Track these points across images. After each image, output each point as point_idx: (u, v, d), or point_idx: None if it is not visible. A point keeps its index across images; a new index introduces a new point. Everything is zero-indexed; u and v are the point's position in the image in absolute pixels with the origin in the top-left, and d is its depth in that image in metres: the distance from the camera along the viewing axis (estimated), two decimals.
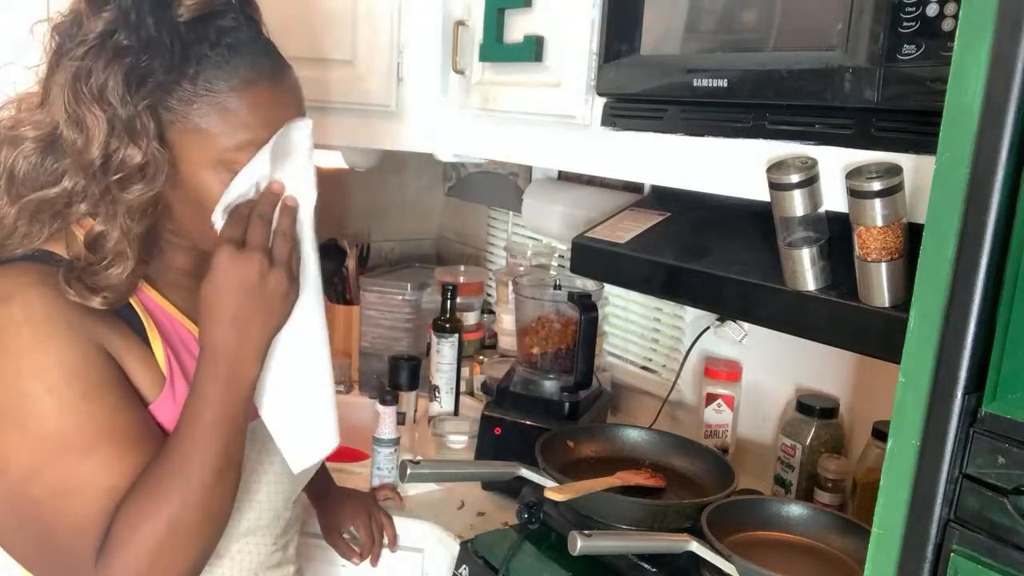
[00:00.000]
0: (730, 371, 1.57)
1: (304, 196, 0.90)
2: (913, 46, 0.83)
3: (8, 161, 0.86)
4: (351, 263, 2.03)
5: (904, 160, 0.86)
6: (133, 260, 0.86)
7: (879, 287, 0.89)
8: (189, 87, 0.84)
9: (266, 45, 0.91)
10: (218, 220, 0.86)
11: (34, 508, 0.81)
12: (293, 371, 0.92)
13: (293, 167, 0.90)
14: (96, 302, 0.84)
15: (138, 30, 0.82)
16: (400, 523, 1.39)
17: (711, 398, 1.57)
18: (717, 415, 1.57)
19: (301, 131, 0.90)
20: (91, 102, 0.82)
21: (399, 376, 1.67)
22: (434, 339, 1.76)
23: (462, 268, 2.20)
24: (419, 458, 1.34)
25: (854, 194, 0.86)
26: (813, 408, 1.40)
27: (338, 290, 2.02)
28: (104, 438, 0.82)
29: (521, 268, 1.99)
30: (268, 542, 1.03)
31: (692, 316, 1.67)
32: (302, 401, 0.94)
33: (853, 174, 0.86)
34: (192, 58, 0.84)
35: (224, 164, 0.86)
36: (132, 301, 0.90)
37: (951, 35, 0.73)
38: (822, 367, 1.45)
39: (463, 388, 1.82)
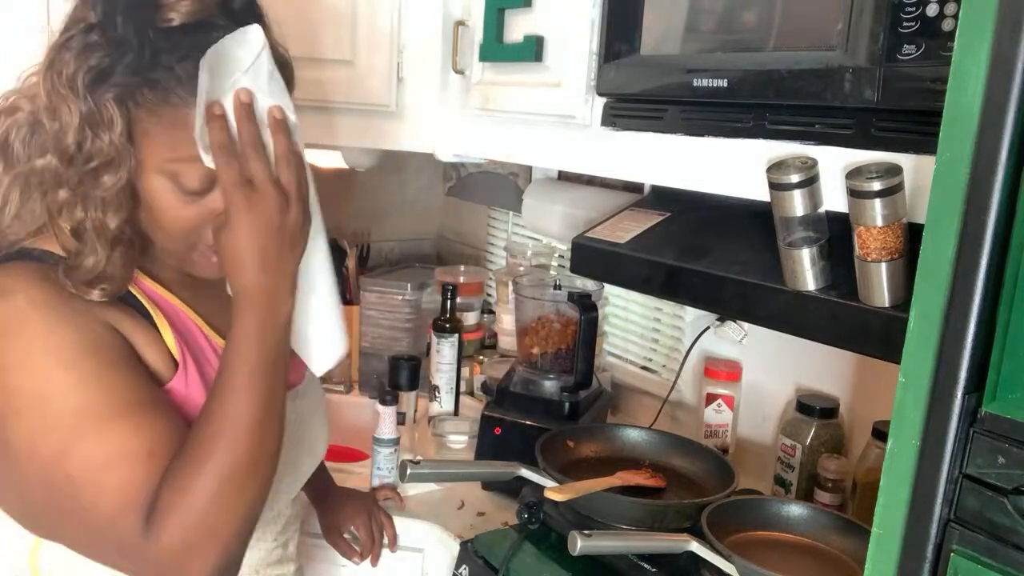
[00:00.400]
0: (730, 371, 1.57)
1: (286, 107, 0.87)
2: (913, 46, 0.83)
3: (3, 129, 0.87)
4: (351, 263, 2.03)
5: (904, 160, 0.86)
6: (105, 252, 0.85)
7: (879, 287, 0.89)
8: (149, 94, 0.83)
9: None
10: (205, 159, 0.84)
11: (71, 487, 0.80)
12: (307, 289, 0.93)
13: (262, 80, 0.85)
14: (95, 295, 0.84)
15: (109, 30, 0.82)
16: (400, 523, 1.39)
17: (711, 398, 1.57)
18: (717, 415, 1.57)
19: (254, 41, 0.85)
20: (65, 91, 0.82)
21: (399, 376, 1.67)
22: (434, 339, 1.76)
23: (462, 268, 2.19)
24: (419, 458, 1.34)
25: (854, 194, 0.86)
26: (813, 408, 1.40)
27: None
28: (130, 406, 0.82)
29: (521, 268, 1.99)
30: (269, 539, 1.03)
31: (692, 316, 1.67)
32: (318, 315, 0.96)
33: (853, 174, 0.86)
34: (159, 66, 0.83)
35: (167, 174, 0.86)
36: (136, 292, 0.90)
37: (951, 35, 0.73)
38: (822, 367, 1.45)
39: (463, 388, 1.82)
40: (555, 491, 1.18)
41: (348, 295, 2.02)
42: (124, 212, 0.86)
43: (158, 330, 0.90)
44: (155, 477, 0.79)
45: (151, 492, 0.79)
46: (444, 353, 1.75)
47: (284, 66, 0.92)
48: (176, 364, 0.90)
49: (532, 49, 1.35)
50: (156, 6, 0.82)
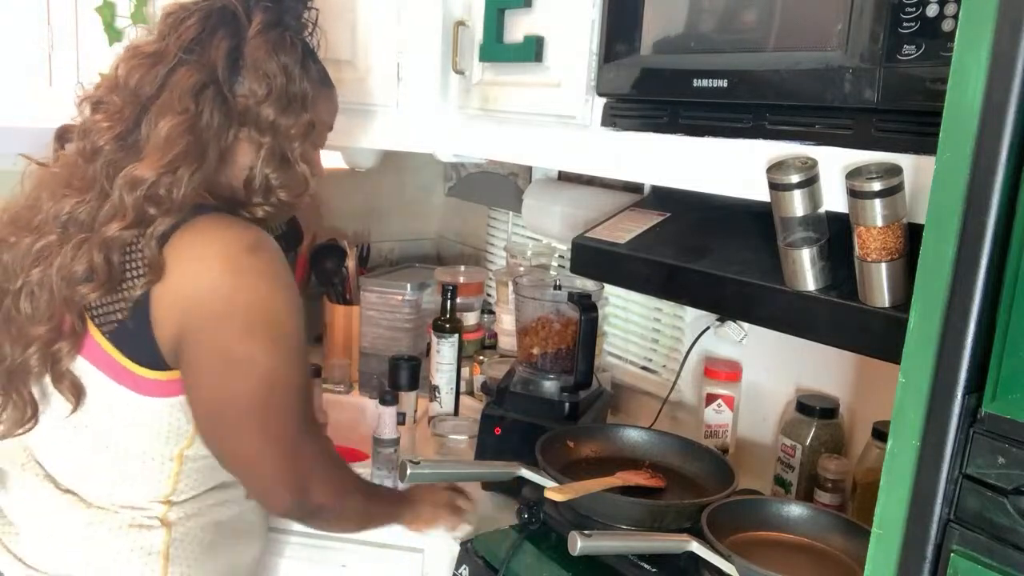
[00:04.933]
0: (730, 371, 1.57)
1: None
2: (913, 46, 0.83)
3: (191, 104, 1.06)
4: (351, 263, 2.03)
5: (904, 160, 0.86)
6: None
7: (879, 287, 0.89)
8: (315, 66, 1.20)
9: None
10: None
11: (279, 398, 1.06)
12: None
13: None
14: (262, 212, 1.15)
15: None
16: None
17: (711, 398, 1.57)
18: (717, 415, 1.57)
19: None
20: (283, 66, 1.11)
21: (399, 376, 1.67)
22: (434, 339, 1.76)
23: (462, 268, 2.19)
24: (419, 458, 1.34)
25: (854, 194, 0.86)
26: (813, 408, 1.40)
27: (338, 290, 2.02)
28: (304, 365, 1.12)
29: (521, 268, 1.99)
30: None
31: (692, 316, 1.67)
32: None
33: (853, 174, 0.86)
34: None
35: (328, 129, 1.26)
36: None
37: (951, 35, 0.73)
38: (822, 367, 1.45)
39: (463, 388, 1.82)
40: (555, 491, 1.18)
41: (348, 295, 2.02)
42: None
43: None
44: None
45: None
46: (444, 353, 1.75)
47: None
48: None
49: (532, 49, 1.35)
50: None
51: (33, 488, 1.13)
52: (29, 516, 1.13)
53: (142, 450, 1.09)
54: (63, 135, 1.14)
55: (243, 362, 1.04)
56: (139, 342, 1.04)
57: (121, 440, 1.08)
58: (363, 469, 1.52)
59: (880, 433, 1.27)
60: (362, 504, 1.23)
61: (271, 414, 1.06)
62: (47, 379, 1.07)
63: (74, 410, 1.07)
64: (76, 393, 1.06)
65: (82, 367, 1.06)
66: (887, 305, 0.89)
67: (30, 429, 1.11)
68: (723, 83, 1.03)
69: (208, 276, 1.03)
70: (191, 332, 1.03)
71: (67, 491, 1.11)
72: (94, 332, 1.05)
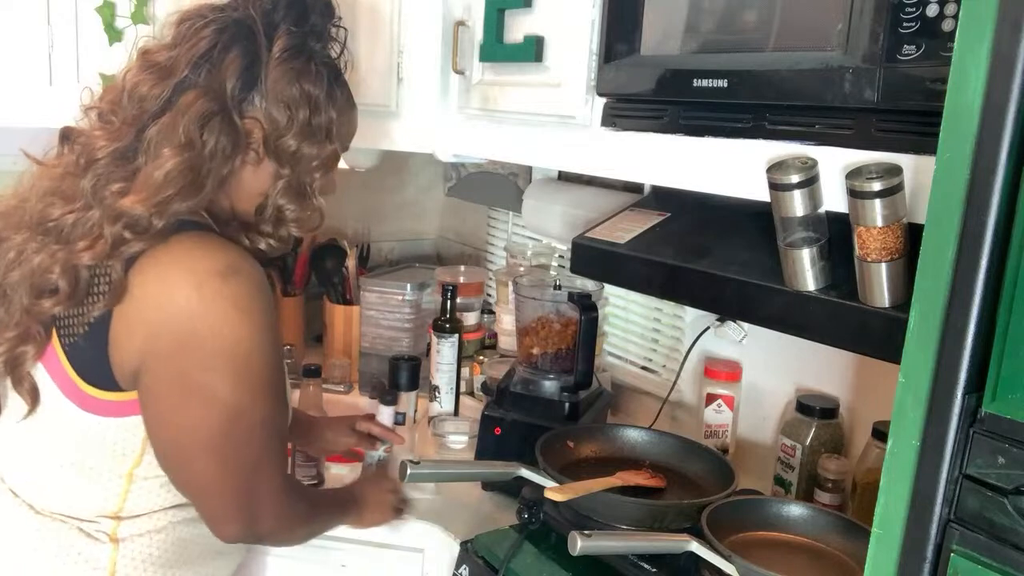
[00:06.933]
0: (730, 371, 1.57)
1: None
2: (913, 46, 0.83)
3: (190, 127, 1.01)
4: (351, 263, 2.03)
5: (904, 160, 0.86)
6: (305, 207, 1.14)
7: (879, 287, 0.89)
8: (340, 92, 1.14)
9: None
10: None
11: (249, 437, 1.04)
12: None
13: None
14: (264, 244, 1.13)
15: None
16: (400, 523, 1.39)
17: (711, 398, 1.57)
18: (717, 415, 1.57)
19: None
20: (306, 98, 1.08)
21: (399, 376, 1.67)
22: (434, 339, 1.76)
23: (462, 268, 2.19)
24: (419, 458, 1.34)
25: (854, 194, 0.86)
26: (813, 408, 1.40)
27: (338, 290, 2.02)
28: (283, 396, 1.10)
29: (521, 268, 1.99)
30: None
31: (692, 316, 1.67)
32: None
33: (853, 174, 0.86)
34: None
35: None
36: None
37: (951, 35, 0.73)
38: (822, 367, 1.45)
39: (463, 388, 1.82)
40: (555, 491, 1.18)
41: (348, 295, 2.02)
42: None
43: None
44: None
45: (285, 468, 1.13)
46: (444, 353, 1.75)
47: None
48: None
49: (532, 49, 1.35)
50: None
51: None
52: None
53: (89, 465, 1.06)
54: (67, 135, 1.11)
55: (203, 393, 1.01)
56: (92, 361, 1.02)
57: (69, 453, 1.06)
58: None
59: (880, 433, 1.27)
60: (309, 523, 1.21)
61: (229, 447, 1.03)
62: (8, 380, 1.05)
63: (29, 413, 1.05)
64: (34, 397, 1.04)
65: (40, 375, 1.05)
66: (887, 305, 0.89)
67: None
68: (723, 83, 1.03)
69: (172, 301, 0.99)
70: (152, 357, 1.00)
71: (17, 495, 1.10)
72: (55, 343, 1.04)
